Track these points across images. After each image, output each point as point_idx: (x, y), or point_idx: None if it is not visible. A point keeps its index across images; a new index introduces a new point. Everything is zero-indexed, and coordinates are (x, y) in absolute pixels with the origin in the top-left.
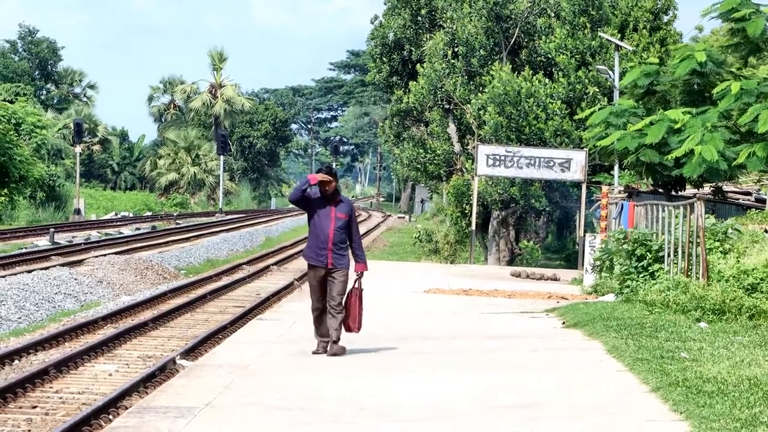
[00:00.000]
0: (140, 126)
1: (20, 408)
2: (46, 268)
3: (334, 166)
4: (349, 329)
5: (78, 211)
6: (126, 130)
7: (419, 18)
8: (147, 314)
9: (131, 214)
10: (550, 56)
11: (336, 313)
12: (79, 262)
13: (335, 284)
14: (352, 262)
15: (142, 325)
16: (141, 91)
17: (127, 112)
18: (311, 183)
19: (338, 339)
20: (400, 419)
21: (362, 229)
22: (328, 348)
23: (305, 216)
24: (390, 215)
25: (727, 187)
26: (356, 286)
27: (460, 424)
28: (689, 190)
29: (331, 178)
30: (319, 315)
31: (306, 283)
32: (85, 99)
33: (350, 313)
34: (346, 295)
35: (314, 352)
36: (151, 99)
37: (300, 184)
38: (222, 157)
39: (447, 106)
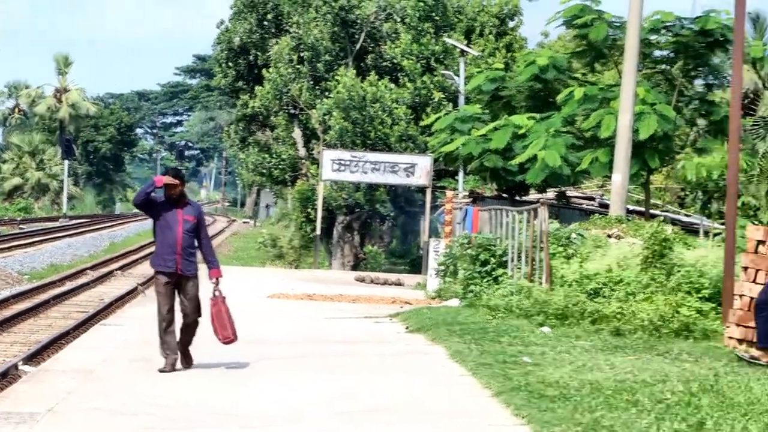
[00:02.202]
0: None
1: None
2: None
3: (180, 170)
4: (228, 340)
5: None
6: None
7: (265, 23)
8: None
9: None
10: (395, 61)
11: (189, 325)
12: None
13: (187, 294)
14: (204, 270)
15: None
16: None
17: None
18: (156, 185)
19: (187, 354)
20: (247, 425)
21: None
22: (179, 364)
23: (149, 221)
24: (235, 220)
25: (571, 192)
26: (216, 294)
27: (308, 428)
28: (533, 195)
29: (177, 181)
30: (168, 327)
31: (151, 289)
32: None
33: (222, 323)
34: (206, 306)
35: (161, 370)
36: None
37: (145, 186)
38: (66, 161)
39: (293, 111)
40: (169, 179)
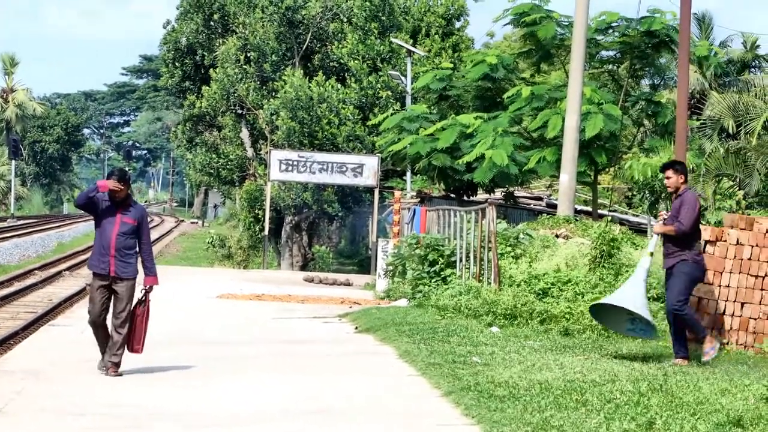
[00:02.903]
0: None
1: None
2: None
3: (127, 171)
4: (132, 350)
5: None
6: None
7: (212, 23)
8: None
9: None
10: (342, 61)
11: (118, 331)
12: None
13: (119, 298)
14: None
15: None
16: None
17: None
18: (100, 190)
19: (119, 363)
20: (194, 424)
21: (154, 235)
22: (110, 372)
23: None
24: (183, 220)
25: (519, 192)
26: (144, 300)
27: (253, 428)
28: (481, 195)
29: (121, 187)
30: (97, 328)
31: None
32: None
33: (134, 332)
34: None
35: (100, 368)
36: None
37: (88, 190)
38: (14, 161)
39: (240, 111)
40: (113, 184)
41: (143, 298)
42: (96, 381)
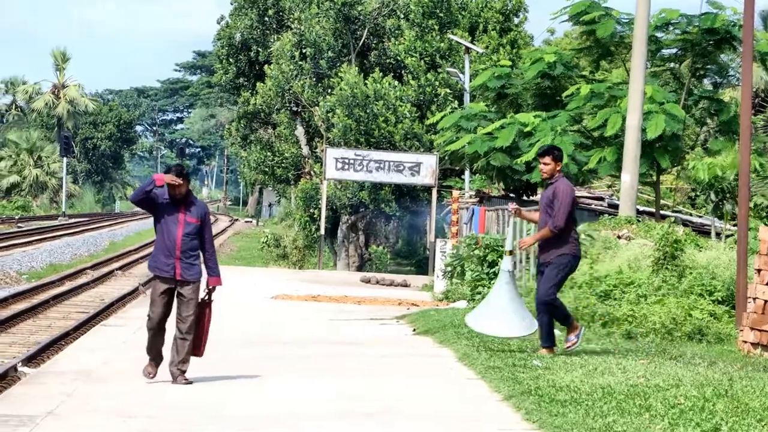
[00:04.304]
0: None
1: None
2: None
3: (185, 166)
4: (194, 354)
5: None
6: None
7: (266, 18)
8: None
9: None
10: (399, 58)
11: (185, 336)
12: None
13: (185, 302)
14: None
15: None
16: None
17: None
18: (157, 184)
19: (185, 370)
20: (251, 426)
21: None
22: (174, 379)
23: (150, 220)
24: (237, 219)
25: (580, 192)
26: (207, 302)
27: (312, 430)
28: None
29: (180, 181)
30: (155, 333)
31: (150, 290)
32: None
33: (199, 337)
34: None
35: (145, 371)
36: None
37: (144, 185)
38: (65, 159)
39: (295, 109)
40: (171, 178)
41: (207, 300)
42: (149, 382)
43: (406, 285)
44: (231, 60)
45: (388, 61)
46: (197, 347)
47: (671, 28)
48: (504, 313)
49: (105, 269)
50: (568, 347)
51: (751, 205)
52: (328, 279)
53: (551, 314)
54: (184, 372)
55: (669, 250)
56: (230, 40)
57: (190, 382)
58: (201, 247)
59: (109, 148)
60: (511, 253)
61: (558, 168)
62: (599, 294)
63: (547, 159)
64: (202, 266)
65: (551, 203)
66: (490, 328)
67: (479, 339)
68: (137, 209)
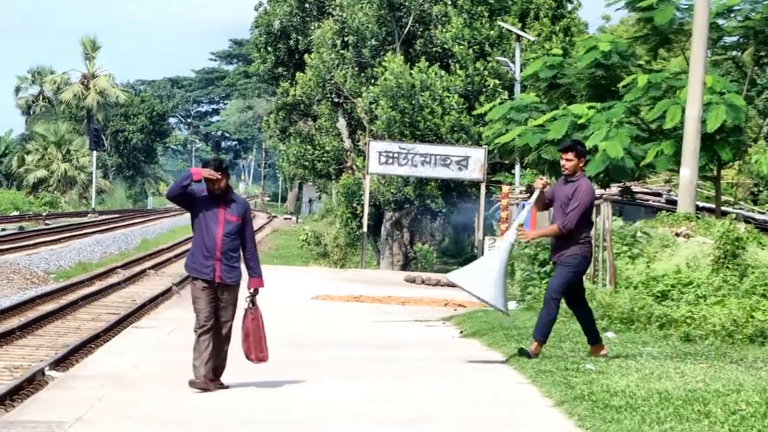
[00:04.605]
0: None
1: None
2: None
3: (224, 160)
4: (258, 359)
5: None
6: None
7: (307, 5)
8: (13, 322)
9: None
10: (446, 47)
11: (221, 341)
12: None
13: (224, 307)
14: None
15: (7, 334)
16: (7, 82)
17: None
18: (194, 178)
19: (220, 374)
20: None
21: None
22: (209, 386)
23: (186, 215)
24: (275, 216)
25: (636, 187)
26: (250, 306)
27: None
28: (595, 191)
29: (219, 176)
30: (203, 334)
31: (187, 289)
32: None
33: (252, 339)
34: (237, 320)
35: (191, 382)
36: (18, 90)
37: (181, 179)
38: (95, 152)
39: (336, 100)
40: (209, 173)
41: (250, 304)
42: (182, 386)
43: (452, 285)
44: (269, 49)
45: (434, 49)
46: (259, 351)
47: (733, 14)
48: (490, 276)
49: (137, 268)
50: (530, 351)
51: None
52: (371, 278)
53: (548, 313)
54: (219, 377)
55: (730, 248)
56: (268, 27)
57: (226, 387)
58: (242, 246)
59: (141, 141)
60: (521, 226)
61: (581, 165)
62: (656, 294)
63: (570, 155)
64: (243, 267)
65: (568, 202)
66: (473, 285)
67: (529, 342)
68: (171, 205)
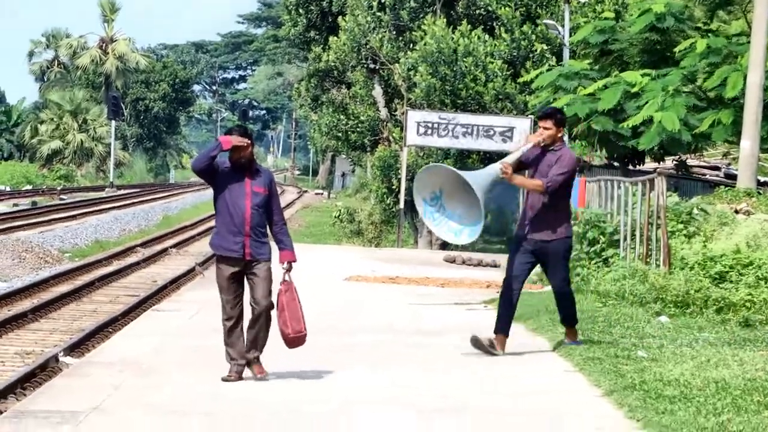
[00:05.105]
0: (19, 86)
1: None
2: None
3: (248, 128)
4: (298, 334)
5: None
6: (2, 91)
7: None
8: (26, 304)
9: (8, 188)
10: (490, 9)
11: (261, 322)
12: None
13: (258, 282)
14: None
15: (19, 317)
16: (20, 45)
17: (3, 70)
18: (224, 147)
19: (259, 357)
20: (316, 426)
21: None
22: (254, 371)
23: (209, 191)
24: (306, 191)
25: (693, 161)
26: (286, 280)
27: (393, 428)
28: (649, 164)
29: (248, 141)
30: (234, 326)
31: (211, 270)
32: None
33: (294, 314)
34: (274, 297)
35: (224, 379)
36: (31, 55)
37: (208, 149)
38: (113, 122)
39: (372, 66)
40: (239, 140)
41: (285, 276)
42: (206, 373)
43: (495, 265)
44: (300, 11)
45: (477, 11)
46: (296, 323)
47: None
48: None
49: (157, 247)
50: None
51: None
52: (408, 258)
53: (571, 302)
54: (258, 360)
55: None
56: None
57: (266, 377)
58: (269, 220)
59: (163, 110)
60: (503, 173)
61: (560, 135)
62: (713, 276)
63: (549, 123)
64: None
65: (551, 168)
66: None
67: (577, 326)
68: (194, 179)
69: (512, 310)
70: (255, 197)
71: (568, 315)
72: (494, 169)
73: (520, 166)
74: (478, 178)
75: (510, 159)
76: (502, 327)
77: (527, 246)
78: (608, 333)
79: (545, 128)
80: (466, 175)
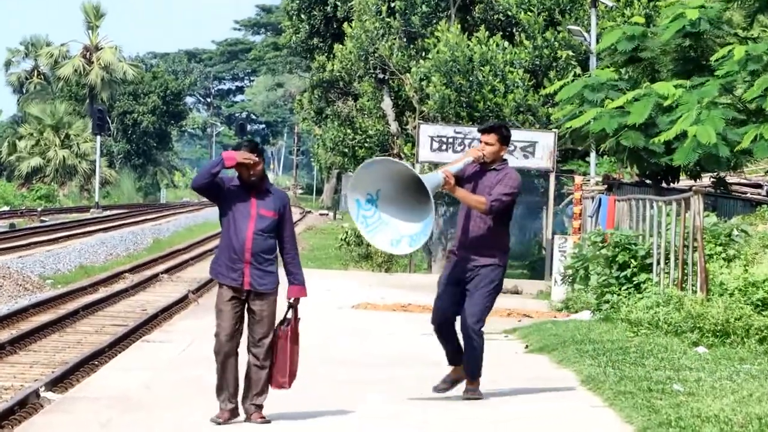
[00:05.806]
0: None
1: None
2: None
3: (258, 142)
4: (274, 384)
5: None
6: None
7: None
8: (3, 335)
9: None
10: (510, 13)
11: (262, 364)
12: None
13: (259, 320)
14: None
15: None
16: None
17: None
18: (226, 165)
19: (262, 405)
20: None
21: None
22: (247, 416)
23: (203, 212)
24: (310, 211)
25: (732, 178)
26: (288, 318)
27: None
28: (684, 182)
29: (256, 158)
30: (226, 361)
31: (206, 297)
32: None
33: (277, 361)
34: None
35: (212, 421)
36: (8, 65)
37: (210, 165)
38: (99, 137)
39: (381, 76)
40: (243, 156)
41: (288, 316)
42: (198, 411)
43: (516, 292)
44: (303, 16)
45: (496, 17)
46: (280, 375)
47: None
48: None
49: (147, 272)
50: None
51: None
52: (421, 284)
53: (479, 348)
54: (260, 408)
55: None
56: None
57: (268, 421)
58: (280, 247)
59: (153, 124)
60: (445, 182)
61: (503, 153)
62: (755, 303)
63: (491, 138)
64: (281, 271)
65: (492, 189)
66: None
67: (606, 358)
68: (187, 198)
69: (455, 344)
70: (261, 221)
71: (472, 361)
72: (436, 177)
73: (456, 182)
74: (426, 182)
75: (453, 169)
76: (452, 359)
77: (457, 273)
78: (641, 365)
79: (487, 143)
80: (417, 174)
